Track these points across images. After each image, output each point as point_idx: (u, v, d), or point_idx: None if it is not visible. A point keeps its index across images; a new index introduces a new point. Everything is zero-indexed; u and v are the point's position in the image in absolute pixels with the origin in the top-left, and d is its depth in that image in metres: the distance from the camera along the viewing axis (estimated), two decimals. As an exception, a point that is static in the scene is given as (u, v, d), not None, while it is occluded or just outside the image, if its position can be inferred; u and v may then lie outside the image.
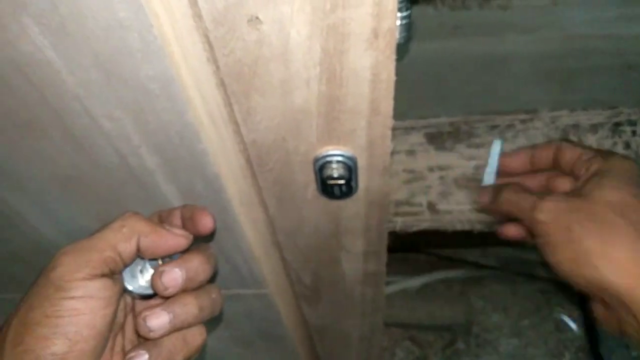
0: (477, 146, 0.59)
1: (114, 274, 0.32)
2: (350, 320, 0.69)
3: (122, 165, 0.36)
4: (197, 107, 0.33)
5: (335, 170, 0.37)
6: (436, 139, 0.60)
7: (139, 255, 0.34)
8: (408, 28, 0.30)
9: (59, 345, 0.28)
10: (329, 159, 0.36)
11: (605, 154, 0.43)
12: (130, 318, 0.37)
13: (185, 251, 0.36)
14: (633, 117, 0.59)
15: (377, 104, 0.33)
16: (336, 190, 0.39)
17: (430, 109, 0.71)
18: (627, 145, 0.56)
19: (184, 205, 0.38)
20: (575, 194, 0.40)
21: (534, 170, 0.50)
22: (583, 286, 0.38)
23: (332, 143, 0.36)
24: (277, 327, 0.69)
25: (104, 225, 0.33)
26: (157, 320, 0.32)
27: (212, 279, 0.37)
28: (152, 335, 0.32)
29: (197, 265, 0.34)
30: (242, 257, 0.49)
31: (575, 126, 0.59)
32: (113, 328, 0.33)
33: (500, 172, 0.52)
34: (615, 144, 0.57)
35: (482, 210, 0.51)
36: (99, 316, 0.30)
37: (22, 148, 0.36)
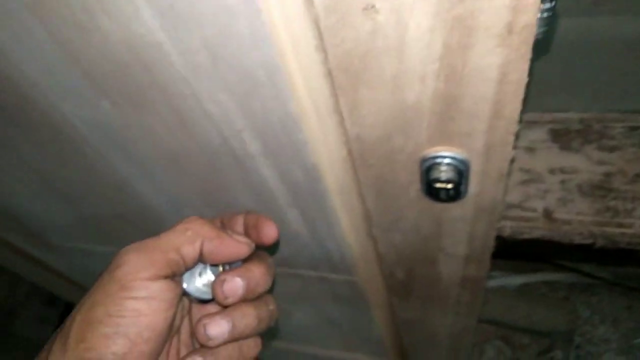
0: (610, 149, 0.52)
1: (175, 276, 0.32)
2: (441, 319, 0.66)
3: (224, 147, 0.36)
4: (302, 96, 0.31)
5: (444, 173, 0.33)
6: (562, 137, 0.54)
7: (201, 259, 0.34)
8: (550, 21, 0.25)
9: (119, 345, 0.28)
10: (438, 160, 0.33)
11: None
12: (186, 321, 0.37)
13: (246, 260, 0.35)
14: None
15: (501, 107, 0.29)
16: (442, 194, 0.36)
17: (558, 101, 0.64)
18: None
19: (248, 212, 0.37)
20: None
21: None
22: None
23: (443, 144, 0.32)
24: (364, 314, 0.68)
25: (169, 228, 0.33)
26: (218, 328, 0.32)
27: (270, 290, 0.36)
28: (210, 343, 0.32)
29: (258, 276, 0.34)
30: (335, 243, 0.48)
31: None
32: (171, 331, 0.33)
33: None
34: None
35: None
36: (160, 318, 0.30)
37: (134, 123, 0.37)
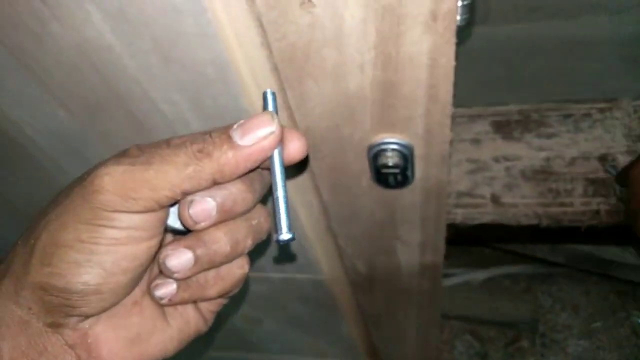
0: (548, 136, 0.55)
1: (163, 207, 0.26)
2: (405, 311, 0.68)
3: (181, 148, 0.37)
4: (252, 92, 0.33)
5: (390, 159, 0.36)
6: (503, 128, 0.57)
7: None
8: (470, 9, 0.28)
9: (92, 275, 0.25)
10: (383, 147, 0.35)
11: None
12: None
13: None
14: None
15: (435, 91, 0.31)
16: (391, 180, 0.38)
17: (499, 97, 0.68)
18: None
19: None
20: None
21: None
22: None
23: (387, 131, 0.35)
24: (331, 314, 0.70)
25: (167, 151, 0.26)
26: (178, 260, 0.27)
27: (264, 201, 0.31)
28: (176, 276, 0.28)
29: (235, 194, 0.27)
30: (297, 241, 0.49)
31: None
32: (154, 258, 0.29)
33: None
34: None
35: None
36: (141, 248, 0.26)
37: (91, 129, 0.37)
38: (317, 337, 0.82)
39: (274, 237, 0.27)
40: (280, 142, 0.27)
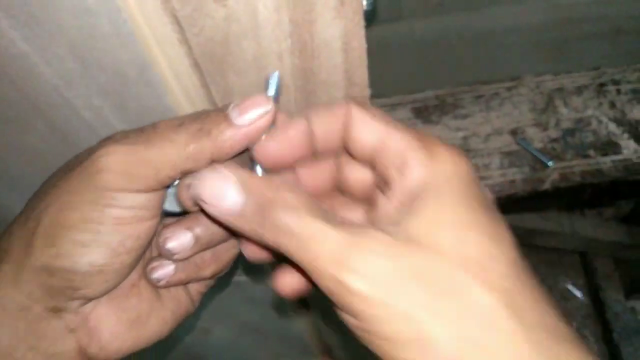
0: (464, 117, 0.59)
1: (164, 187, 0.27)
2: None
3: (108, 155, 0.37)
4: (175, 90, 0.33)
5: (318, 145, 0.37)
6: (422, 113, 0.61)
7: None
8: (374, -6, 0.30)
9: (98, 255, 0.25)
10: (310, 133, 0.37)
11: (424, 141, 0.25)
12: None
13: None
14: (617, 77, 0.59)
15: (351, 74, 0.33)
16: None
17: (418, 85, 0.72)
18: (613, 105, 0.57)
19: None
20: (399, 233, 0.23)
21: (314, 157, 0.29)
22: None
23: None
24: (281, 312, 0.70)
25: (167, 131, 0.26)
26: (178, 241, 0.28)
27: None
28: (176, 257, 0.28)
29: None
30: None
31: (560, 90, 0.59)
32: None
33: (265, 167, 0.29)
34: (600, 104, 0.57)
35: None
36: (144, 227, 0.26)
37: (10, 144, 0.36)
38: (268, 340, 0.82)
39: None
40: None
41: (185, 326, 0.74)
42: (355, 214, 0.28)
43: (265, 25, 0.29)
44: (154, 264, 0.29)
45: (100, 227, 0.25)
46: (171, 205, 0.29)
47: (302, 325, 0.77)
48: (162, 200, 0.28)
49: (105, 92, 0.32)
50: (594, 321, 1.21)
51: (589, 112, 0.57)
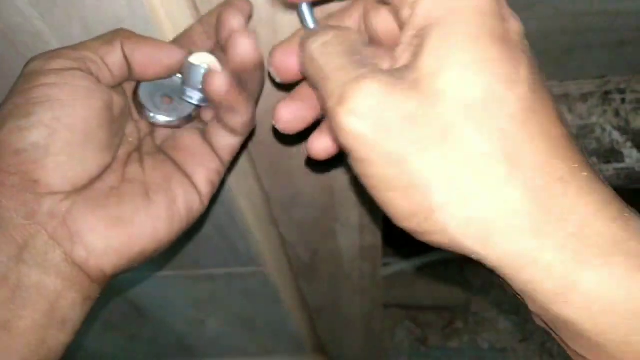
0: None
1: (99, 80, 0.27)
2: (348, 297, 0.69)
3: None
4: (188, 76, 0.33)
5: (327, 138, 0.37)
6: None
7: (131, 73, 0.29)
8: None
9: (36, 134, 0.25)
10: (320, 127, 0.37)
11: None
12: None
13: None
14: (622, 85, 0.59)
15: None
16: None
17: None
18: (617, 113, 0.57)
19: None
20: (402, 77, 0.22)
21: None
22: (436, 246, 0.23)
23: (322, 110, 0.36)
24: (276, 307, 0.70)
25: None
26: (220, 80, 0.27)
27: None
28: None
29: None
30: (238, 232, 0.50)
31: (566, 96, 0.59)
32: (122, 143, 0.29)
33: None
34: (605, 112, 0.58)
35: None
36: (79, 105, 0.26)
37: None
38: (262, 335, 0.82)
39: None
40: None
41: (178, 315, 0.74)
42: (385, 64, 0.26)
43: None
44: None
45: (30, 108, 0.25)
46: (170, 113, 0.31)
47: (296, 320, 0.77)
48: (102, 87, 0.27)
49: (117, 75, 0.32)
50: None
51: (594, 119, 0.57)
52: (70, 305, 0.26)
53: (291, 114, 0.29)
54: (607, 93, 0.59)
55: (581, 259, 0.20)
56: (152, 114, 0.30)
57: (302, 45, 0.25)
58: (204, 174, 0.30)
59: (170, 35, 0.30)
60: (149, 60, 0.28)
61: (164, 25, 0.29)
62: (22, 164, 0.25)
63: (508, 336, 1.20)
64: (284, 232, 0.52)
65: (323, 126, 0.28)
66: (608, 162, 0.55)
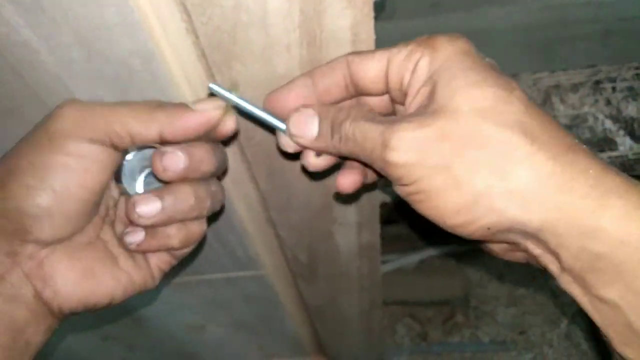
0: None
1: (116, 149, 0.29)
2: (348, 297, 0.69)
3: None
4: (180, 81, 0.33)
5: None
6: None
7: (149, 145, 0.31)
8: (384, -14, 0.30)
9: (43, 198, 0.27)
10: (315, 126, 0.36)
11: (424, 42, 0.28)
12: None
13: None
14: (612, 75, 0.59)
15: (359, 66, 0.33)
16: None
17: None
18: (608, 102, 0.57)
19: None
20: (426, 113, 0.27)
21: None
22: (478, 235, 0.27)
23: (317, 110, 0.36)
24: (276, 309, 0.70)
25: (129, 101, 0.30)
26: (147, 207, 0.30)
27: (219, 177, 0.35)
28: (141, 221, 0.30)
29: (202, 153, 0.31)
30: (236, 236, 0.49)
31: (557, 87, 0.60)
32: (108, 212, 0.32)
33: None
34: (596, 101, 0.58)
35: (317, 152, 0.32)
36: (90, 178, 0.28)
37: (10, 137, 0.35)
38: (262, 338, 0.82)
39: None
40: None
41: (178, 322, 0.74)
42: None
43: (275, 15, 0.29)
44: (129, 229, 0.32)
45: (45, 172, 0.27)
46: (131, 186, 0.33)
47: (296, 322, 0.76)
48: (113, 162, 0.30)
49: (108, 82, 0.32)
50: (584, 318, 1.23)
51: (585, 109, 0.57)
52: (35, 332, 0.29)
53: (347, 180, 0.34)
54: (597, 82, 0.59)
55: (603, 202, 0.24)
56: (125, 186, 0.33)
57: (334, 130, 0.30)
58: (155, 262, 0.34)
59: (161, 41, 0.30)
60: (179, 136, 0.30)
61: (154, 31, 0.29)
62: (21, 217, 0.27)
63: (508, 329, 1.20)
64: (281, 234, 0.52)
65: (347, 165, 0.34)
66: (602, 150, 0.55)
